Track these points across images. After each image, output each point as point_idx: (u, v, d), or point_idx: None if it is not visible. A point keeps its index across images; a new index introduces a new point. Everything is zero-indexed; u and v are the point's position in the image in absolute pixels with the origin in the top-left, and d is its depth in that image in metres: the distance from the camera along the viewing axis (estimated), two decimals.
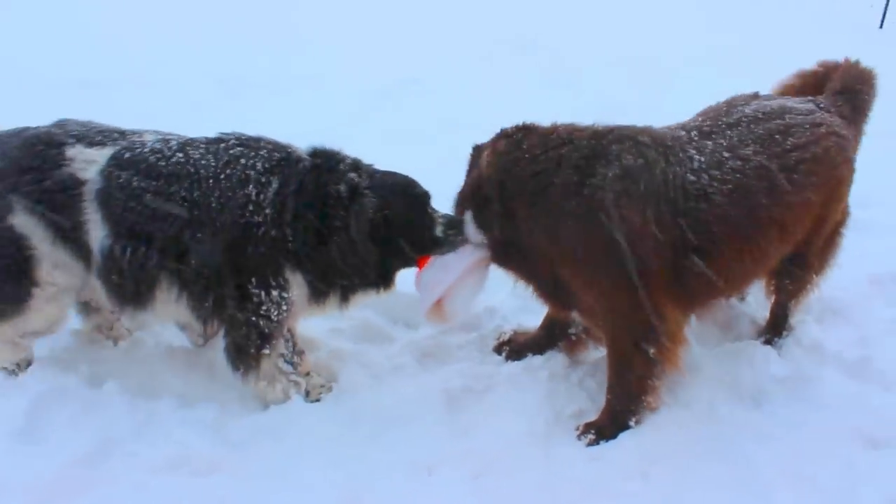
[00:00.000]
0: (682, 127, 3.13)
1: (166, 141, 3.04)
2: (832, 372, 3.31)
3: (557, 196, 2.83)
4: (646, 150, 2.88)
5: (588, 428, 3.00)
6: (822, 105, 3.25)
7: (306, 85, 7.44)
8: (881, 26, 11.56)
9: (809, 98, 3.31)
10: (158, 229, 2.91)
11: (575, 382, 3.25)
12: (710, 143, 2.99)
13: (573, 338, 3.44)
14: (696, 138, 3.01)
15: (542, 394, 3.12)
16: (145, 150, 2.98)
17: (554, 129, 2.99)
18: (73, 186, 2.92)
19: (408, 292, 3.79)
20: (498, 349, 3.52)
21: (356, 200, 2.95)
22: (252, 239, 2.90)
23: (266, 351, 3.05)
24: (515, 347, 3.48)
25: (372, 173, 3.08)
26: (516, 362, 3.39)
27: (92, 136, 3.02)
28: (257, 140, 3.07)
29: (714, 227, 2.89)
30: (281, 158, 2.99)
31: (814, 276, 3.54)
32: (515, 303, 3.72)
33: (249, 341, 3.03)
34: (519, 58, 8.86)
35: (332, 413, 3.04)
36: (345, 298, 3.12)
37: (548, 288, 3.08)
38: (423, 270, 3.09)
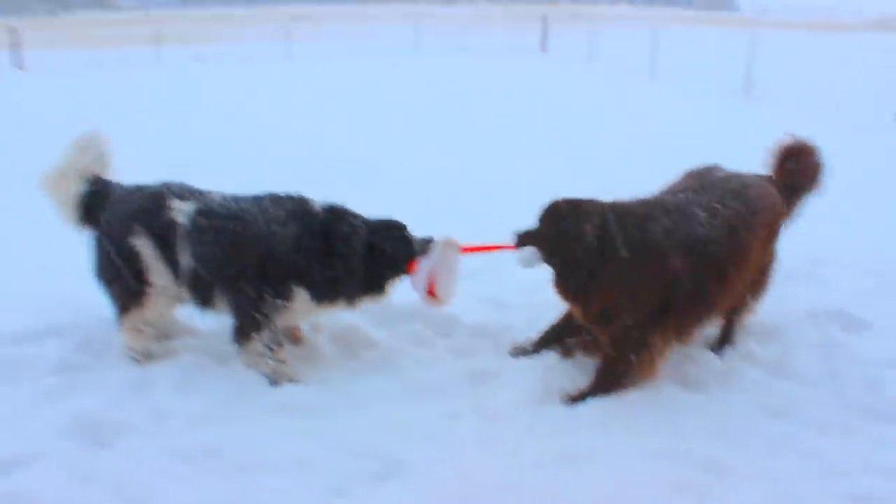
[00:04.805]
0: (677, 190, 4.38)
1: (226, 197, 4.46)
2: (756, 370, 4.42)
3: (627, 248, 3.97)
4: (672, 214, 4.05)
5: (568, 396, 4.17)
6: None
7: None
8: None
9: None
10: (213, 254, 4.28)
11: (562, 371, 4.42)
12: (703, 198, 4.20)
13: (568, 346, 4.63)
14: (692, 197, 4.19)
15: (539, 377, 4.32)
16: (214, 203, 4.39)
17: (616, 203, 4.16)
18: (172, 225, 4.32)
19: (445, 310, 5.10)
20: (512, 352, 4.71)
21: (356, 236, 4.32)
22: (272, 263, 4.24)
23: (255, 335, 4.28)
24: (522, 350, 4.69)
25: (366, 219, 4.46)
26: (522, 358, 4.60)
27: (184, 194, 4.45)
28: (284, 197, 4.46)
29: (715, 262, 4.04)
30: (298, 210, 4.35)
31: (753, 301, 4.73)
32: (527, 324, 4.99)
33: (245, 326, 4.30)
34: None
35: (386, 381, 4.31)
36: (351, 302, 4.44)
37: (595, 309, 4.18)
38: (412, 274, 4.40)
